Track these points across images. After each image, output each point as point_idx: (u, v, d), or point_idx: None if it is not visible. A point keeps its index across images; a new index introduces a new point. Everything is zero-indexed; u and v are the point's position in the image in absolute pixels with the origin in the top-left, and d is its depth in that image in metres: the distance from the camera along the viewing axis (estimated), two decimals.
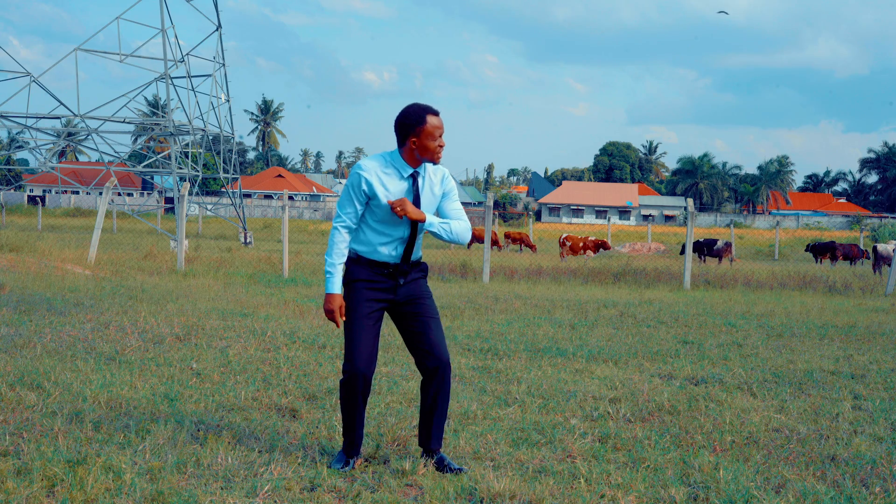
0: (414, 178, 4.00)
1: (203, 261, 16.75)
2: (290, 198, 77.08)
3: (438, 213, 4.13)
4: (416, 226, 4.01)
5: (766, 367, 7.17)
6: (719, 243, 25.68)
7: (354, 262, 4.08)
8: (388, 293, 4.07)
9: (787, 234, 54.35)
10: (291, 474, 3.93)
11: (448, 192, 4.11)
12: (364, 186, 3.94)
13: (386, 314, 4.17)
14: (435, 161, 3.99)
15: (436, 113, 3.95)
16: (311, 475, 3.92)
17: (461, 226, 4.07)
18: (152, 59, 32.50)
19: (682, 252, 28.53)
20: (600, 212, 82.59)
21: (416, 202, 3.99)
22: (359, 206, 3.99)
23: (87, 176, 66.75)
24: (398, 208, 3.87)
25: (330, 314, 4.00)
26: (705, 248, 26.40)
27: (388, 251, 4.04)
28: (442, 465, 4.10)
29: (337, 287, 4.00)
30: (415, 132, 3.92)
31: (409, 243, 4.05)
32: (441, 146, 3.96)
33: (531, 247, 30.18)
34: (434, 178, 4.08)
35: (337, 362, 6.74)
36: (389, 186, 3.96)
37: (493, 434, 4.74)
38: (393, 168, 3.99)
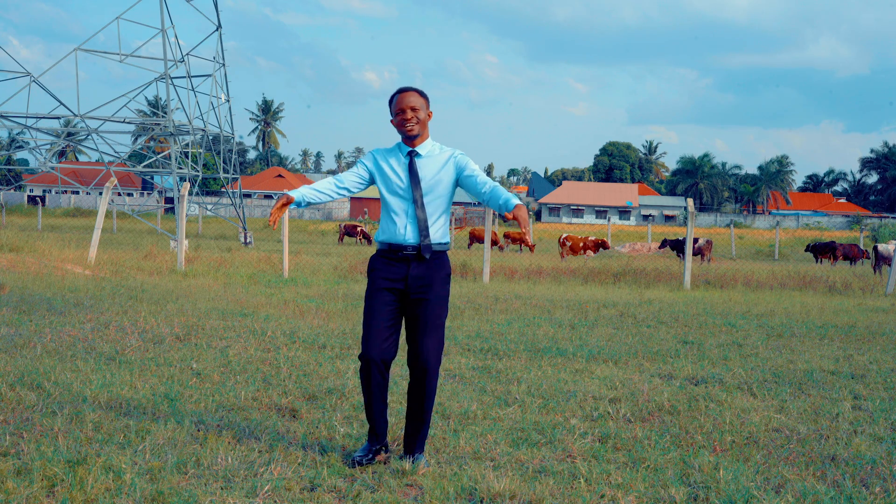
0: (411, 156, 4.19)
1: (203, 261, 16.74)
2: None
3: (471, 187, 4.23)
4: (419, 199, 4.12)
5: (766, 367, 7.17)
6: (700, 241, 25.78)
7: (376, 254, 4.26)
8: (400, 282, 4.14)
9: (787, 234, 54.36)
10: (291, 474, 3.93)
11: (464, 167, 4.22)
12: (370, 160, 4.25)
13: None
14: (405, 132, 4.18)
15: (405, 90, 4.19)
16: (311, 475, 3.92)
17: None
18: (152, 59, 32.57)
19: (661, 246, 28.69)
20: (600, 212, 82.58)
21: (415, 179, 4.15)
22: (360, 174, 4.22)
23: (87, 176, 66.80)
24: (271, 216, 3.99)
25: (275, 207, 4.02)
26: (685, 246, 26.52)
27: (400, 230, 4.14)
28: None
29: (293, 193, 4.07)
30: (391, 111, 4.22)
31: (421, 223, 4.11)
32: (405, 118, 4.15)
33: (530, 246, 30.19)
34: (440, 158, 4.23)
35: (337, 362, 6.74)
36: (392, 164, 4.20)
37: (493, 434, 4.74)
38: (396, 149, 4.25)
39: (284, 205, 3.98)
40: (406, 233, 4.14)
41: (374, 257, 4.26)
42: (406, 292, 4.14)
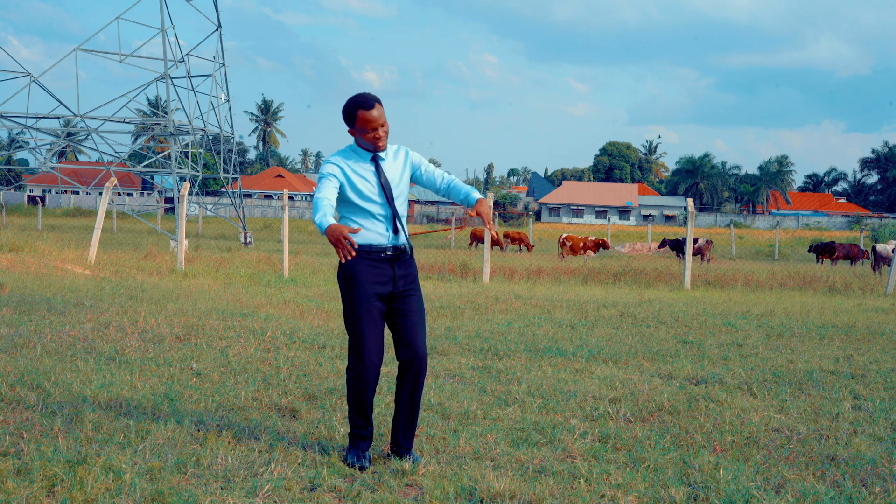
0: (375, 160, 4.21)
1: (203, 261, 16.74)
2: (290, 198, 77.11)
3: (427, 182, 4.36)
4: (392, 201, 4.18)
5: (766, 367, 7.17)
6: (700, 241, 25.77)
7: (354, 258, 4.16)
8: (388, 285, 4.17)
9: (787, 234, 54.39)
10: (291, 474, 3.93)
11: (419, 165, 4.34)
12: (337, 171, 4.15)
13: None
14: (378, 148, 4.18)
15: (368, 106, 4.09)
16: (311, 475, 3.92)
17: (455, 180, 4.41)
18: (152, 59, 32.57)
19: (661, 246, 28.69)
20: (600, 212, 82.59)
21: (385, 182, 4.18)
22: (336, 187, 4.12)
23: (87, 176, 66.76)
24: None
25: (338, 241, 3.78)
26: (685, 246, 26.52)
27: (381, 232, 4.17)
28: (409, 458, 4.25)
29: (332, 221, 3.93)
30: (351, 124, 4.16)
31: (397, 223, 4.20)
32: (377, 136, 4.13)
33: (528, 246, 30.28)
34: (399, 159, 4.31)
35: (337, 362, 6.74)
36: (358, 171, 4.19)
37: (493, 434, 4.74)
38: (356, 155, 4.22)
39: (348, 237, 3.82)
40: (387, 234, 4.18)
41: (351, 261, 4.15)
42: (393, 293, 4.19)
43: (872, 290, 15.96)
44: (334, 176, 4.14)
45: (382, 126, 4.13)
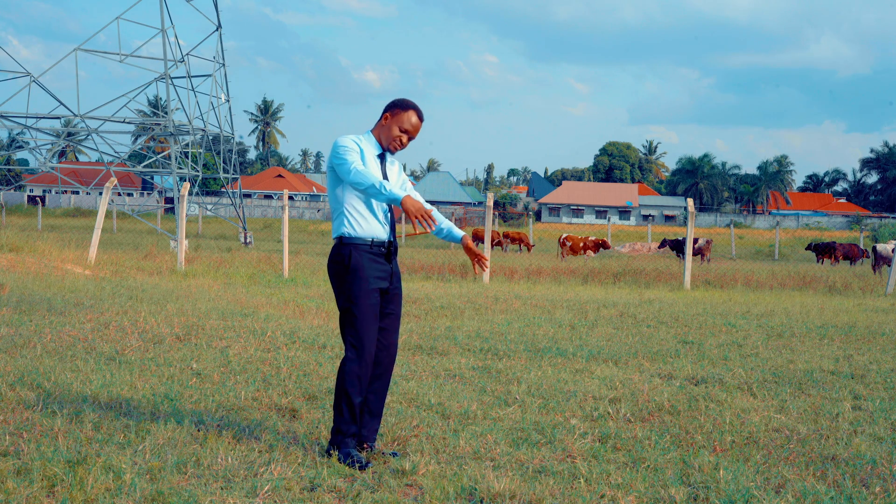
0: (381, 157, 4.34)
1: (203, 261, 16.74)
2: (290, 198, 77.09)
3: None
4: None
5: (766, 367, 7.17)
6: (700, 241, 25.78)
7: (353, 248, 4.21)
8: (386, 280, 4.27)
9: (787, 234, 54.40)
10: (291, 474, 3.93)
11: (405, 182, 4.50)
12: (356, 147, 4.23)
13: None
14: (390, 149, 4.32)
15: (418, 116, 4.29)
16: (311, 475, 3.92)
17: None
18: (152, 59, 32.55)
19: (661, 246, 28.70)
20: (600, 212, 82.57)
21: (386, 179, 4.31)
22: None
23: (87, 176, 66.76)
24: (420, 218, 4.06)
25: (420, 214, 4.02)
26: (685, 246, 26.52)
27: (382, 227, 4.24)
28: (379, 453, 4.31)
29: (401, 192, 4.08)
30: (393, 112, 4.28)
31: (392, 221, 4.34)
32: (401, 141, 4.28)
33: (528, 246, 30.31)
34: (395, 165, 4.46)
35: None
36: (370, 157, 4.28)
37: (493, 434, 4.74)
38: (369, 143, 4.32)
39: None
40: (385, 229, 4.27)
41: (355, 254, 4.18)
42: (387, 289, 4.28)
43: (872, 290, 15.96)
44: (355, 152, 4.22)
45: (411, 138, 4.30)
